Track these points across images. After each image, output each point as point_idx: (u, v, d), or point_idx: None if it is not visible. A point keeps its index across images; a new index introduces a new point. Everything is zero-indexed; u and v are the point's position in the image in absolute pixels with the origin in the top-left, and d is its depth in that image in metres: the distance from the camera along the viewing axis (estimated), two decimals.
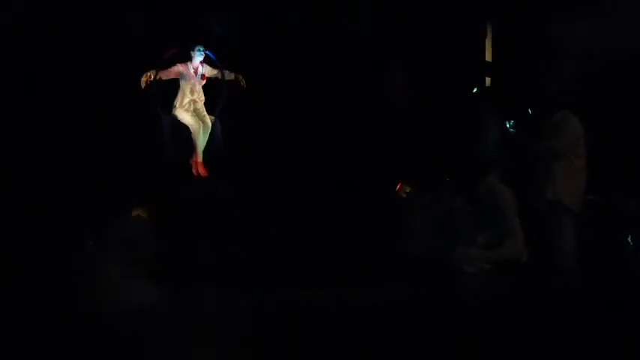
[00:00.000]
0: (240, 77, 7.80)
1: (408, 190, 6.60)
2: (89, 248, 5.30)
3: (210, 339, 4.50)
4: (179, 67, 7.59)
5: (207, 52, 7.68)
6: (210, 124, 7.78)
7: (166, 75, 7.54)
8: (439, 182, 6.51)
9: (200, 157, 7.74)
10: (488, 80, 8.32)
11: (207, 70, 7.73)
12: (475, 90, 8.03)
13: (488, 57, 8.37)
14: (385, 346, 4.43)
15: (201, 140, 7.71)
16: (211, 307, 5.04)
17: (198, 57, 7.61)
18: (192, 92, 7.68)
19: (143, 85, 7.32)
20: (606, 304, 4.98)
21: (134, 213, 5.67)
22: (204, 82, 7.73)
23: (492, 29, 8.36)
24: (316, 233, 6.65)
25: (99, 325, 4.72)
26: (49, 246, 5.64)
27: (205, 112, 7.79)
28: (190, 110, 7.70)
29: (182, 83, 7.64)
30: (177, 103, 7.66)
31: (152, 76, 7.36)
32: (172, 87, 7.66)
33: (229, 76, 7.78)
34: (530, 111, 6.59)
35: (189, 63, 7.63)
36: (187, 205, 6.85)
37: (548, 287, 5.52)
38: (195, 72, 7.65)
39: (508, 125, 6.65)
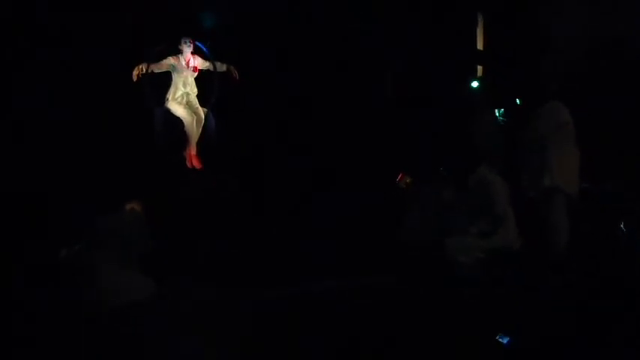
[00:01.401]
0: (232, 68, 7.70)
1: (408, 181, 6.55)
2: (84, 244, 5.23)
3: (209, 336, 4.48)
4: (170, 60, 7.49)
5: (198, 44, 7.60)
6: (203, 117, 7.70)
7: (158, 68, 7.43)
8: (435, 174, 6.47)
9: (194, 150, 7.67)
10: (480, 69, 8.27)
11: (199, 62, 7.64)
12: (474, 84, 8.04)
13: (480, 46, 8.32)
14: (382, 339, 4.43)
15: (194, 133, 7.63)
16: (210, 305, 5.02)
17: (187, 49, 7.53)
18: (184, 85, 7.60)
19: (135, 78, 7.22)
20: (599, 293, 4.99)
21: (128, 207, 5.61)
22: (196, 74, 7.65)
23: (484, 18, 8.30)
24: (313, 228, 6.64)
25: (97, 320, 4.73)
26: (48, 244, 5.59)
27: (198, 105, 7.71)
28: (183, 103, 7.63)
29: (174, 76, 7.56)
30: (169, 96, 7.57)
31: (144, 69, 7.26)
32: (165, 80, 7.56)
33: (221, 67, 7.69)
34: (518, 101, 6.54)
35: (180, 55, 7.54)
36: (184, 200, 6.80)
37: (542, 277, 5.48)
38: (187, 64, 7.56)
39: (497, 114, 6.60)
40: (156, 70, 7.43)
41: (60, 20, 6.98)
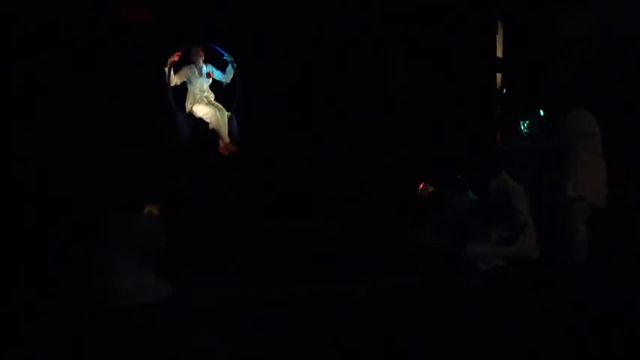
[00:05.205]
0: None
1: (430, 190, 6.43)
2: (99, 244, 5.12)
3: (219, 336, 4.42)
4: (185, 70, 7.47)
5: (217, 48, 7.52)
6: (224, 110, 7.64)
7: (179, 78, 7.42)
8: (452, 179, 6.33)
9: (227, 139, 7.61)
10: (499, 77, 8.11)
11: (212, 69, 7.61)
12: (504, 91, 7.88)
13: (500, 53, 8.17)
14: (394, 342, 4.32)
15: (222, 123, 7.58)
16: (220, 305, 4.96)
17: (199, 58, 7.52)
18: (201, 91, 7.59)
19: (168, 66, 7.21)
20: (618, 300, 4.90)
21: (146, 210, 5.48)
22: (210, 80, 7.62)
23: (504, 25, 8.16)
24: (326, 230, 6.61)
25: (109, 321, 4.70)
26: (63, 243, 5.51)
27: (219, 104, 7.66)
28: (204, 102, 7.59)
29: (189, 87, 7.55)
30: (188, 103, 7.56)
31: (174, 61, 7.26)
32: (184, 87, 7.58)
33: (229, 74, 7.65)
34: (542, 112, 6.38)
35: (193, 65, 7.51)
36: (195, 203, 6.70)
37: (560, 284, 5.34)
38: (200, 72, 7.54)
39: (523, 127, 6.46)
40: (179, 82, 7.44)
41: (75, 24, 6.87)
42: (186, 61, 7.48)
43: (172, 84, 7.34)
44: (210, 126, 7.58)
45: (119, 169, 6.60)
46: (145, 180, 6.39)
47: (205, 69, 7.55)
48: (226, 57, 7.58)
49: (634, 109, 7.00)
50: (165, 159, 7.07)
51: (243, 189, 7.10)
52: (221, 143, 7.59)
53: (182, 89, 7.53)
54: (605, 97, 6.69)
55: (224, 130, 7.59)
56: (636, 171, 6.63)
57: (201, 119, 7.57)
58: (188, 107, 7.55)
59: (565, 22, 7.69)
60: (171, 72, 7.29)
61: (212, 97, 7.66)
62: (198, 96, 7.56)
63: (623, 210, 6.18)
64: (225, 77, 7.66)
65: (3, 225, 5.81)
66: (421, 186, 6.45)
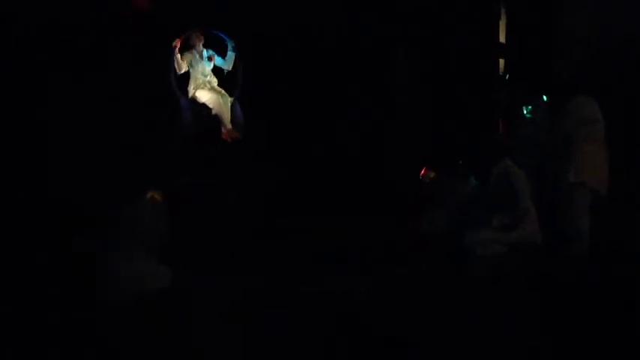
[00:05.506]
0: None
1: (432, 176, 6.42)
2: (102, 233, 5.11)
3: (215, 333, 4.41)
4: (187, 55, 7.39)
5: (221, 34, 7.48)
6: (227, 95, 7.57)
7: (185, 64, 7.36)
8: (456, 167, 6.31)
9: (229, 125, 7.53)
10: (502, 62, 8.05)
11: (213, 54, 7.53)
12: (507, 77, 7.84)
13: (502, 39, 8.10)
14: (393, 339, 4.28)
15: (225, 110, 7.51)
16: (217, 303, 4.92)
17: (199, 42, 7.43)
18: (203, 75, 7.51)
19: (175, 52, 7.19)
20: (620, 290, 4.82)
21: (148, 195, 5.46)
22: (212, 63, 7.53)
23: (506, 11, 8.09)
24: (328, 230, 6.58)
25: (113, 309, 4.66)
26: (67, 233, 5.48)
27: (221, 89, 7.59)
28: (207, 87, 7.51)
29: (192, 72, 7.46)
30: (191, 88, 7.48)
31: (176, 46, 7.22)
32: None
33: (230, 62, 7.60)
34: (545, 98, 6.34)
35: (193, 50, 7.43)
36: (196, 203, 6.66)
37: (562, 272, 5.28)
38: (201, 56, 7.46)
39: (525, 111, 6.41)
40: (184, 69, 7.36)
41: (75, 21, 6.80)
42: (187, 46, 7.41)
43: (181, 71, 7.31)
44: (213, 112, 7.50)
45: (120, 167, 6.55)
46: (145, 177, 6.36)
47: (206, 53, 7.48)
48: (227, 42, 7.52)
49: (634, 109, 6.94)
50: (166, 157, 7.01)
51: (244, 188, 7.07)
52: (224, 129, 7.52)
53: (185, 75, 7.45)
54: (605, 97, 6.64)
55: (227, 116, 7.52)
56: (637, 171, 6.56)
57: (204, 105, 7.48)
58: (191, 92, 7.48)
59: (565, 23, 7.63)
60: (177, 57, 7.25)
61: (215, 82, 7.58)
62: (201, 81, 7.48)
63: (623, 209, 6.13)
64: (227, 64, 7.58)
65: (2, 223, 5.77)
66: (423, 172, 6.44)
